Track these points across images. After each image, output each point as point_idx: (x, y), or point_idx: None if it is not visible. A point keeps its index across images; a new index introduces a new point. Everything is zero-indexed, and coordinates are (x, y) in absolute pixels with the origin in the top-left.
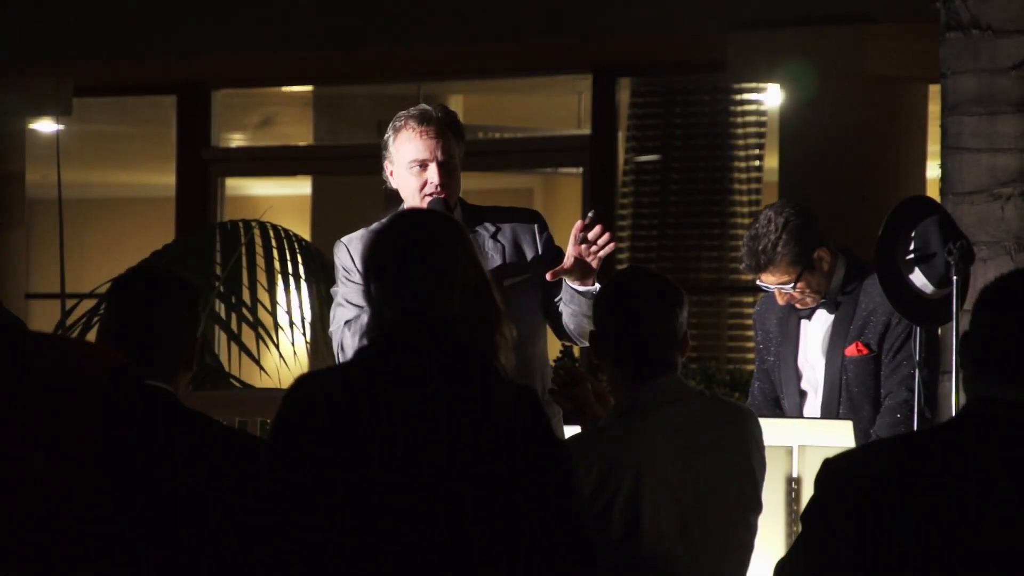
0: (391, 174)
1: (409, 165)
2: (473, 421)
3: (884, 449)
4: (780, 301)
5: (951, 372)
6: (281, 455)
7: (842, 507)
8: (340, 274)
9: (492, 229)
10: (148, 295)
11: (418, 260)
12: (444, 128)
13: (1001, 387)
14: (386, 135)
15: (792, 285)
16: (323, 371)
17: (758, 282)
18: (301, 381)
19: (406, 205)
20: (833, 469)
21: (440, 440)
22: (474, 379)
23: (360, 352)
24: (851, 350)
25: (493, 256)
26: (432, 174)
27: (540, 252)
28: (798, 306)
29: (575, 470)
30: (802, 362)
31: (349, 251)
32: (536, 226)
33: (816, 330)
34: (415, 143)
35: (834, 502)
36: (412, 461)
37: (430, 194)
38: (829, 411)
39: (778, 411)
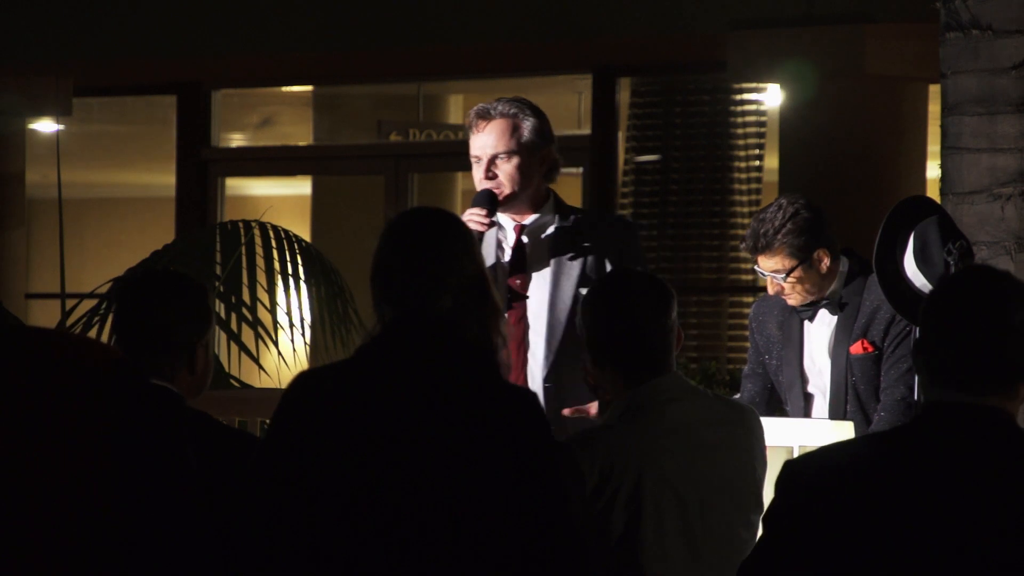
0: None
1: (472, 159)
2: (471, 421)
3: (841, 452)
4: (770, 290)
5: None
6: (279, 451)
7: (800, 508)
8: None
9: (577, 233)
10: (155, 295)
11: (410, 259)
12: (502, 123)
13: (954, 391)
14: None
15: (784, 276)
16: (323, 368)
17: (755, 267)
18: (301, 378)
19: None
20: (792, 471)
21: (437, 439)
22: (473, 379)
23: (360, 350)
24: (856, 348)
25: (573, 263)
26: (479, 170)
27: (620, 261)
28: (789, 302)
29: (579, 472)
30: (808, 365)
31: None
32: (621, 236)
33: (820, 332)
34: (472, 138)
35: (792, 503)
36: (409, 459)
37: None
38: (837, 411)
39: (768, 415)
